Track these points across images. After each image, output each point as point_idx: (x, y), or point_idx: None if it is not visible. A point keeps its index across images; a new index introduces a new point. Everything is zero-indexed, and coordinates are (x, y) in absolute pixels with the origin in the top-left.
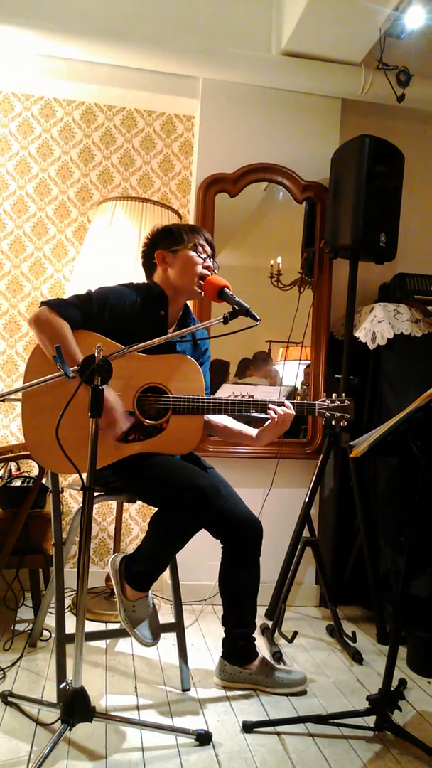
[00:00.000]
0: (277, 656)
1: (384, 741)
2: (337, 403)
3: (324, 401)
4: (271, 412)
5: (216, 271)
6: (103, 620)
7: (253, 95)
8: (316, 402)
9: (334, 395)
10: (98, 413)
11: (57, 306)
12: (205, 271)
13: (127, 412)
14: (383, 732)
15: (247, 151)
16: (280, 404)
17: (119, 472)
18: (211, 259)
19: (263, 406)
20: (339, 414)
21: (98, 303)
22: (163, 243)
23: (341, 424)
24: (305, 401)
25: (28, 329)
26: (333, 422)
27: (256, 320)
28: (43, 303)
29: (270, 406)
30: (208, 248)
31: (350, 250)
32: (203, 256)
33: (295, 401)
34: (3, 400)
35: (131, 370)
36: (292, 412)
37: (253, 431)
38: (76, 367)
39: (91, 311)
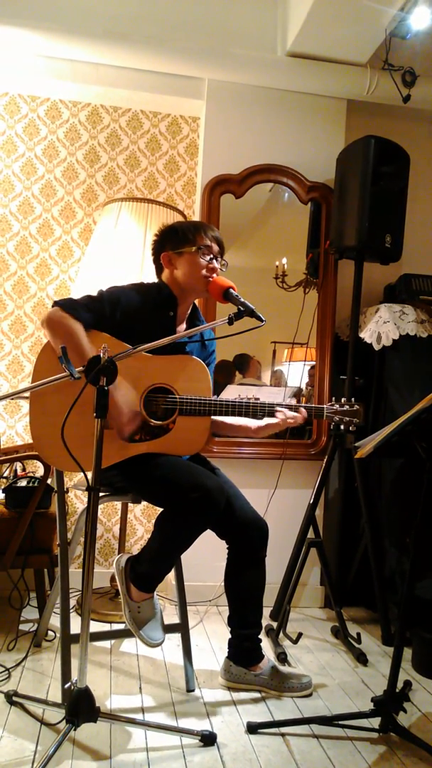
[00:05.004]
0: (282, 657)
1: (389, 743)
2: (346, 407)
3: (333, 405)
4: (280, 415)
5: (224, 269)
6: (108, 620)
7: (259, 96)
8: (324, 406)
9: (343, 399)
10: (103, 414)
11: (69, 307)
12: (211, 273)
13: (134, 412)
14: (388, 734)
15: (253, 152)
16: (296, 409)
17: (124, 472)
18: (218, 259)
19: (271, 410)
20: (348, 418)
21: (109, 304)
22: (169, 244)
23: (350, 428)
24: (313, 405)
25: (35, 330)
26: (342, 426)
27: (261, 321)
28: (55, 303)
29: (278, 409)
30: (214, 247)
31: (355, 251)
32: (208, 257)
33: (304, 405)
34: (12, 398)
35: (138, 371)
36: (301, 421)
37: (253, 423)
38: (81, 368)
39: (102, 313)
